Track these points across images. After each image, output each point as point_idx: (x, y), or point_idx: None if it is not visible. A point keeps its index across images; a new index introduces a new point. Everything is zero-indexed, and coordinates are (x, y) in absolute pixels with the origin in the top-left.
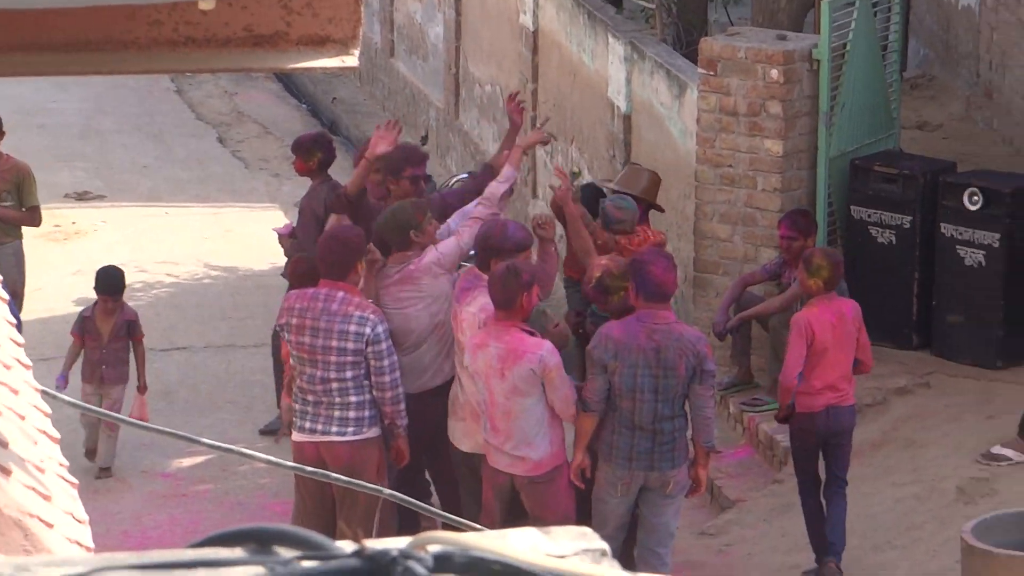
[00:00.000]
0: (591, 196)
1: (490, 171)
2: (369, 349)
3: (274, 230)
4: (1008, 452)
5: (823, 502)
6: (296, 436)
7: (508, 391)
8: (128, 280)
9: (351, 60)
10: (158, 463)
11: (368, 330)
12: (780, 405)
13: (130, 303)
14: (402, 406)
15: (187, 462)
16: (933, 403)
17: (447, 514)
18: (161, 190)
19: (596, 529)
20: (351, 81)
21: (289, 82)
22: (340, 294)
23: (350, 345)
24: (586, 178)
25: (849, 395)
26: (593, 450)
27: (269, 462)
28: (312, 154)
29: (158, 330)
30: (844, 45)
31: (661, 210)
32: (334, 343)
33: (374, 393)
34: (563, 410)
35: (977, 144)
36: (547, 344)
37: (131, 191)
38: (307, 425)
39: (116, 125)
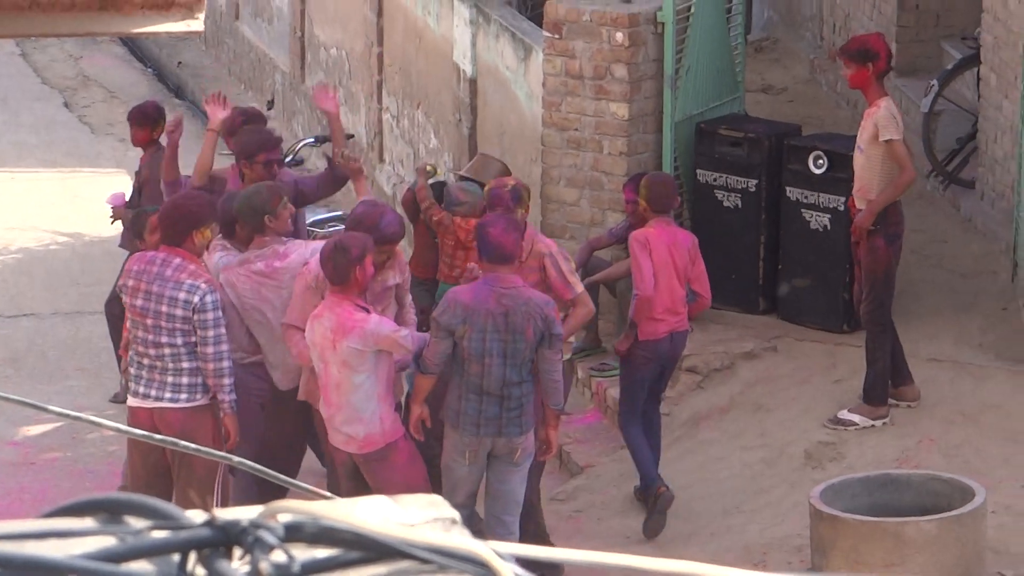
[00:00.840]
0: (439, 191)
1: (332, 171)
2: (195, 317)
3: (107, 201)
4: (855, 417)
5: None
6: (130, 400)
7: (339, 363)
8: None
9: (196, 24)
10: (6, 431)
11: (196, 298)
12: (635, 322)
13: None
14: (226, 380)
15: (36, 430)
16: (780, 367)
17: (298, 483)
18: (7, 155)
19: (447, 497)
20: (196, 45)
21: (134, 46)
22: (176, 260)
23: (179, 312)
24: (442, 176)
25: (685, 320)
26: (439, 417)
27: (118, 430)
28: (158, 124)
29: (5, 296)
30: (688, 8)
31: None
32: (164, 308)
33: (199, 363)
34: (402, 358)
35: (822, 107)
36: (372, 318)
37: None
38: (140, 390)
39: None
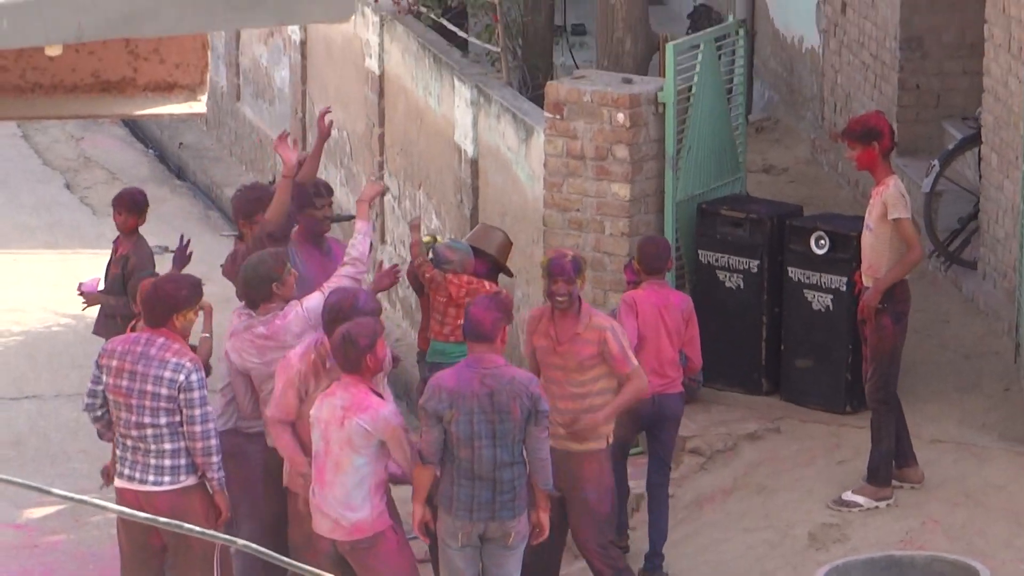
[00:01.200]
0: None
1: (293, 184)
2: (181, 396)
3: (81, 285)
4: (859, 498)
5: (647, 496)
6: (117, 482)
7: (343, 441)
8: None
9: (199, 106)
10: (8, 514)
11: (182, 377)
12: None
13: None
14: (214, 458)
15: (39, 512)
16: (784, 448)
17: (299, 565)
18: (8, 237)
19: None
20: (198, 126)
21: (136, 127)
22: (160, 339)
23: (164, 391)
24: (440, 242)
25: (676, 382)
26: (434, 502)
27: (122, 513)
28: (144, 212)
29: (8, 378)
30: (689, 88)
31: (509, 274)
32: (149, 387)
33: (186, 442)
34: (407, 468)
35: (823, 188)
36: (390, 405)
37: None
38: (126, 472)
39: None
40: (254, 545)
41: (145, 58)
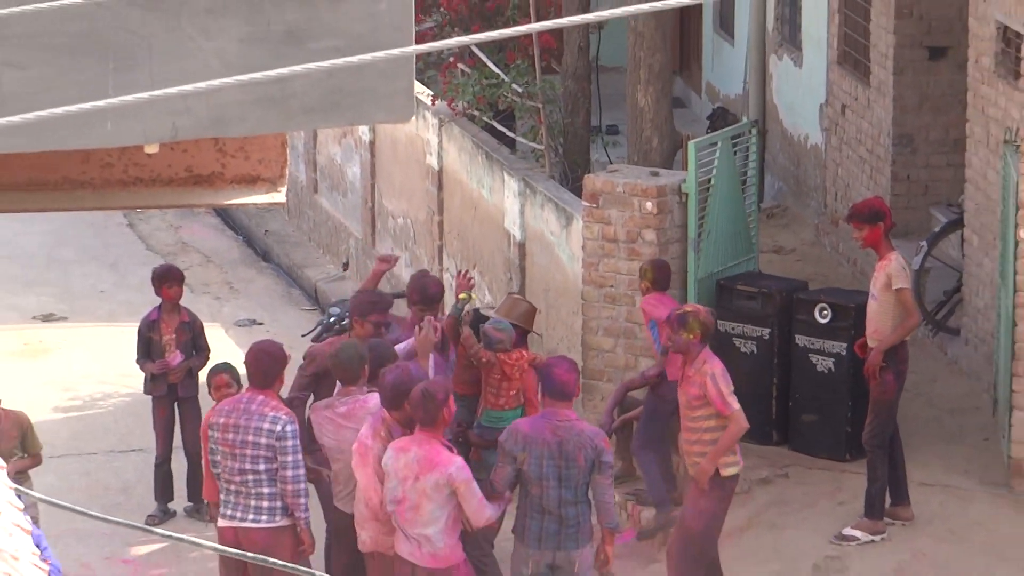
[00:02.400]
0: (477, 321)
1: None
2: (277, 444)
3: (172, 362)
4: (857, 533)
5: None
6: (220, 522)
7: (419, 492)
8: (90, 391)
9: (279, 196)
10: (119, 550)
11: (278, 427)
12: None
13: (92, 410)
14: (302, 499)
15: (144, 549)
16: (791, 491)
17: None
18: (118, 312)
19: None
20: (280, 214)
21: (226, 216)
22: (260, 397)
23: (263, 440)
24: (476, 304)
25: None
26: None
27: (215, 549)
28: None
29: (117, 434)
30: (709, 180)
31: (538, 335)
32: (250, 438)
33: (278, 484)
34: (476, 517)
35: (825, 266)
36: (458, 460)
37: (91, 313)
38: (228, 512)
39: (76, 255)
40: None
41: (232, 155)
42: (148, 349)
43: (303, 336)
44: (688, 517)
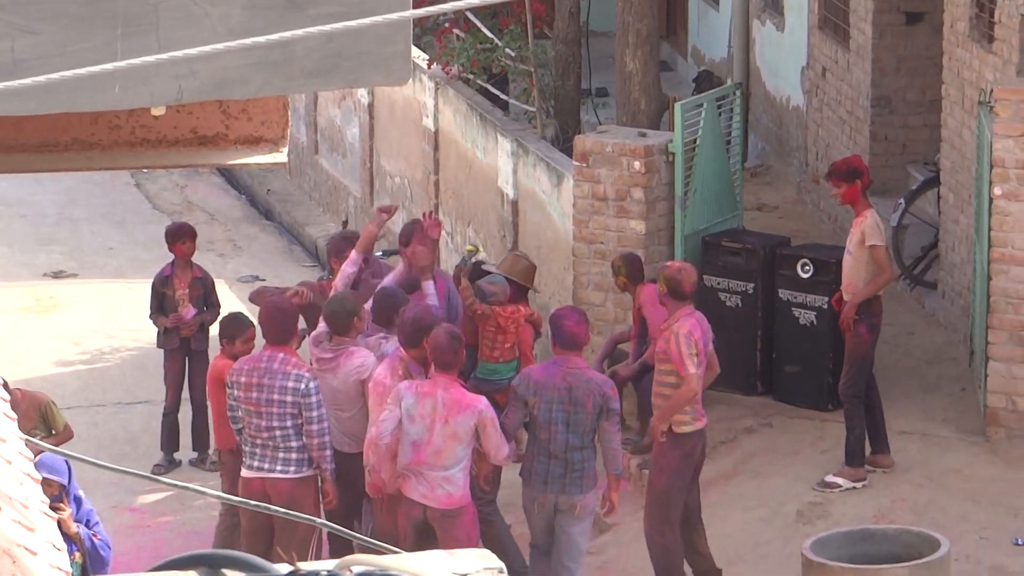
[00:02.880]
0: (480, 273)
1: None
2: (302, 401)
3: (186, 315)
4: (839, 480)
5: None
6: (245, 473)
7: (448, 435)
8: (98, 344)
9: (281, 157)
10: (125, 499)
11: (303, 385)
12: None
13: (100, 363)
14: (327, 452)
15: (150, 498)
16: (775, 440)
17: (370, 540)
18: (125, 268)
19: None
20: (282, 175)
21: (230, 176)
22: (280, 355)
23: (288, 399)
24: (481, 256)
25: None
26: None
27: (220, 497)
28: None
29: (124, 386)
30: (695, 140)
31: (536, 291)
32: (275, 396)
33: (304, 439)
34: (496, 454)
35: (807, 222)
36: (483, 399)
37: (100, 270)
38: (255, 464)
39: (86, 214)
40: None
41: (235, 117)
42: (162, 304)
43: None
44: (652, 474)
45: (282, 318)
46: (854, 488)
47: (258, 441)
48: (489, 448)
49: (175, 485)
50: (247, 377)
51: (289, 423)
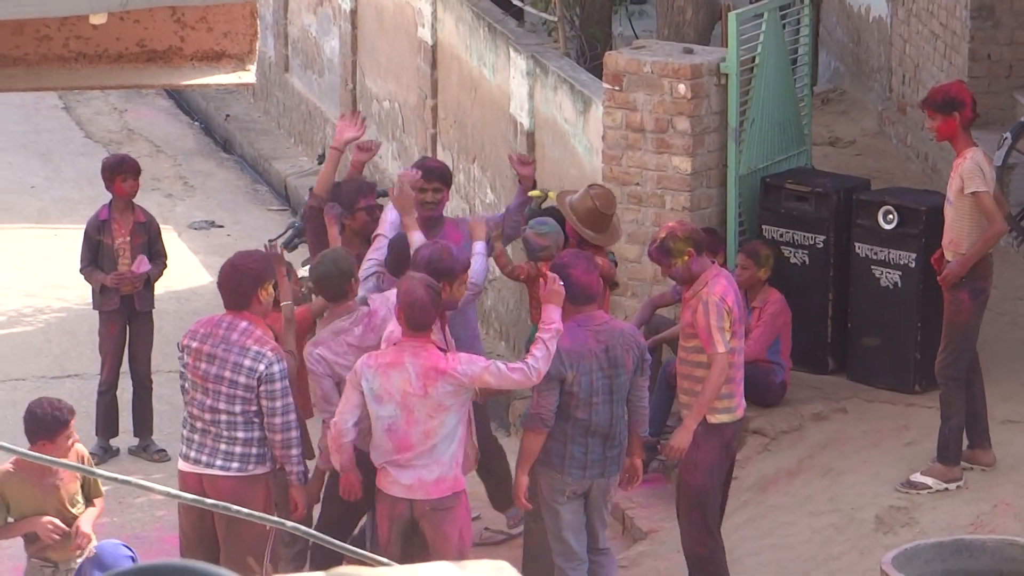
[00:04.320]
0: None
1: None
2: (261, 388)
3: (137, 269)
4: (927, 480)
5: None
6: (181, 465)
7: (431, 407)
8: (16, 305)
9: (248, 76)
10: None
11: (262, 367)
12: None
13: (19, 328)
14: (294, 450)
15: None
16: (850, 429)
17: (359, 550)
18: (50, 211)
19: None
20: (245, 97)
21: (181, 99)
22: (243, 324)
23: (242, 379)
24: (552, 202)
25: None
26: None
27: (167, 494)
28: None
29: (50, 357)
30: (753, 59)
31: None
32: (227, 374)
33: (266, 433)
34: (520, 381)
35: (891, 161)
36: (462, 356)
37: (18, 212)
38: (192, 455)
39: (1, 143)
40: (303, 527)
41: (192, 27)
42: (97, 255)
43: (271, 241)
44: (684, 471)
45: (241, 279)
46: (946, 490)
47: (198, 424)
48: (506, 386)
49: (111, 478)
50: (200, 343)
51: (238, 408)
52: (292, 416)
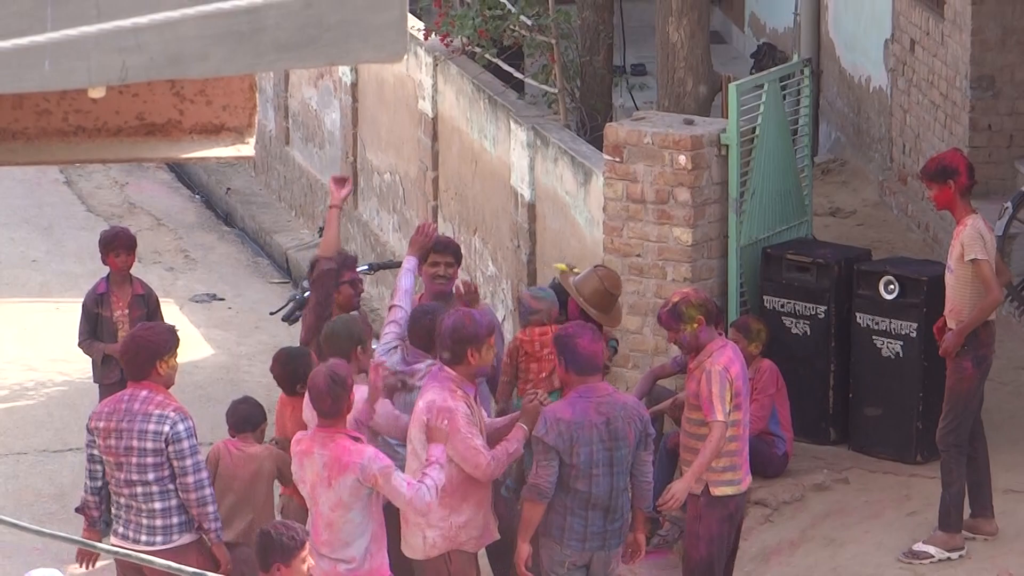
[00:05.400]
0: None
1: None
2: (169, 448)
3: None
4: (930, 549)
5: None
6: (113, 540)
7: (333, 503)
8: (18, 379)
9: (247, 149)
10: (52, 567)
11: (167, 428)
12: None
13: (21, 402)
14: (210, 508)
15: (81, 569)
16: (852, 500)
17: None
18: (52, 285)
19: None
20: (246, 170)
21: (182, 172)
22: (143, 393)
23: (149, 444)
24: (579, 273)
25: None
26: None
27: (168, 567)
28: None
29: (51, 430)
30: (753, 130)
31: (610, 334)
32: (135, 443)
33: (179, 497)
34: (405, 506)
35: (892, 231)
36: (368, 450)
37: (20, 286)
38: (120, 530)
39: (3, 218)
40: None
41: (191, 100)
42: (96, 328)
43: (271, 314)
44: (687, 544)
45: (138, 350)
46: (949, 559)
47: (121, 500)
48: (399, 503)
49: (113, 552)
50: (105, 422)
51: (151, 476)
52: (204, 474)
